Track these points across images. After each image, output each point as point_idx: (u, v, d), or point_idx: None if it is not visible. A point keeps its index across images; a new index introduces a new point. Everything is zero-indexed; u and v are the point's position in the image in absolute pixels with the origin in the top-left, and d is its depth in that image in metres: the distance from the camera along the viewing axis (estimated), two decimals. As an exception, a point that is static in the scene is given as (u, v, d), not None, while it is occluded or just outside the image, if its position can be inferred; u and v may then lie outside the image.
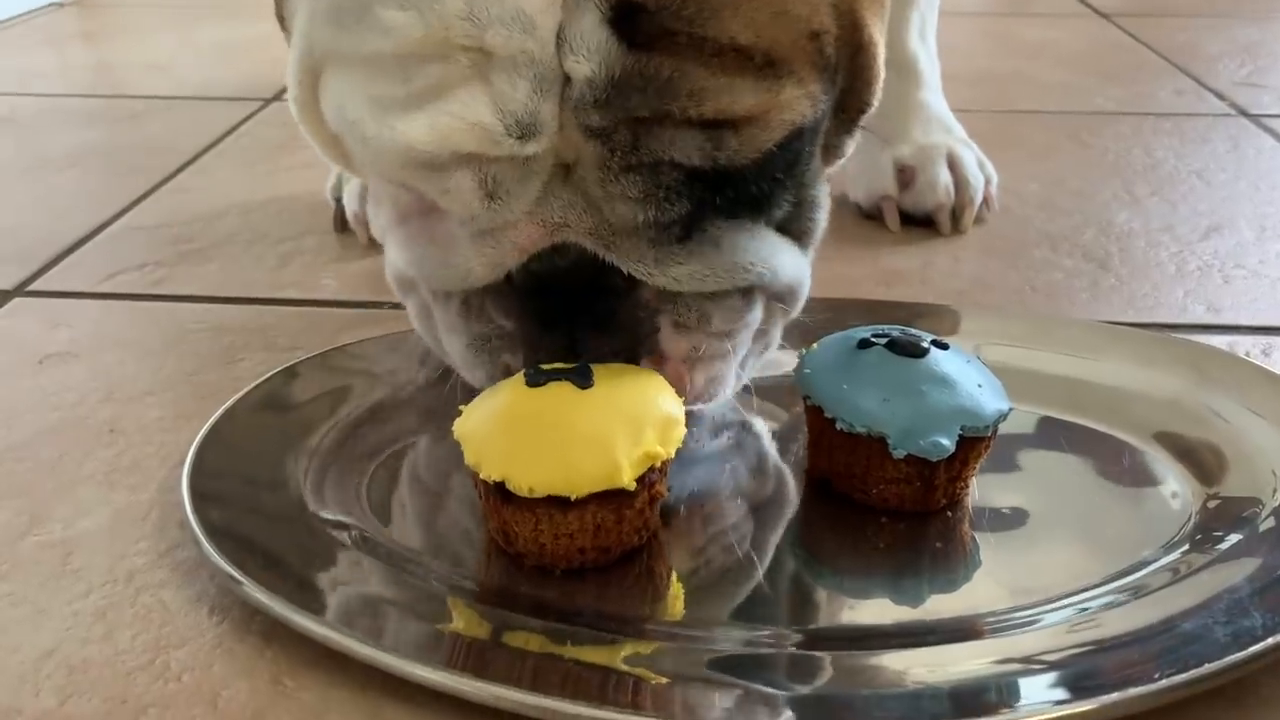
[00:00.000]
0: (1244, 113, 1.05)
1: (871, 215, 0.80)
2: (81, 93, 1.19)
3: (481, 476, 0.42)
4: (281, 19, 0.47)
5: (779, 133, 0.39)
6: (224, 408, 0.52)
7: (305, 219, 0.81)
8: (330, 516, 0.46)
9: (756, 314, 0.46)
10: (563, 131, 0.38)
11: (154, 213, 0.84)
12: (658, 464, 0.43)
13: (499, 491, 0.42)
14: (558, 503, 0.41)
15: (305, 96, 0.43)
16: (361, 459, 0.50)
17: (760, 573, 0.44)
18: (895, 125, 0.79)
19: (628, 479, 0.41)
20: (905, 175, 0.78)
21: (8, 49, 1.36)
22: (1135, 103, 1.09)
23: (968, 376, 0.47)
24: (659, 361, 0.45)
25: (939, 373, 0.46)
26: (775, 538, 0.46)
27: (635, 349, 0.44)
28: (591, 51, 0.37)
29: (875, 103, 0.45)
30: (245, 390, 0.54)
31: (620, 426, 0.42)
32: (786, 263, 0.45)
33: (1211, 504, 0.47)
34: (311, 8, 0.41)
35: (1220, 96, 1.10)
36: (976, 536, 0.46)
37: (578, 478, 0.41)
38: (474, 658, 0.39)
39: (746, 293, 0.45)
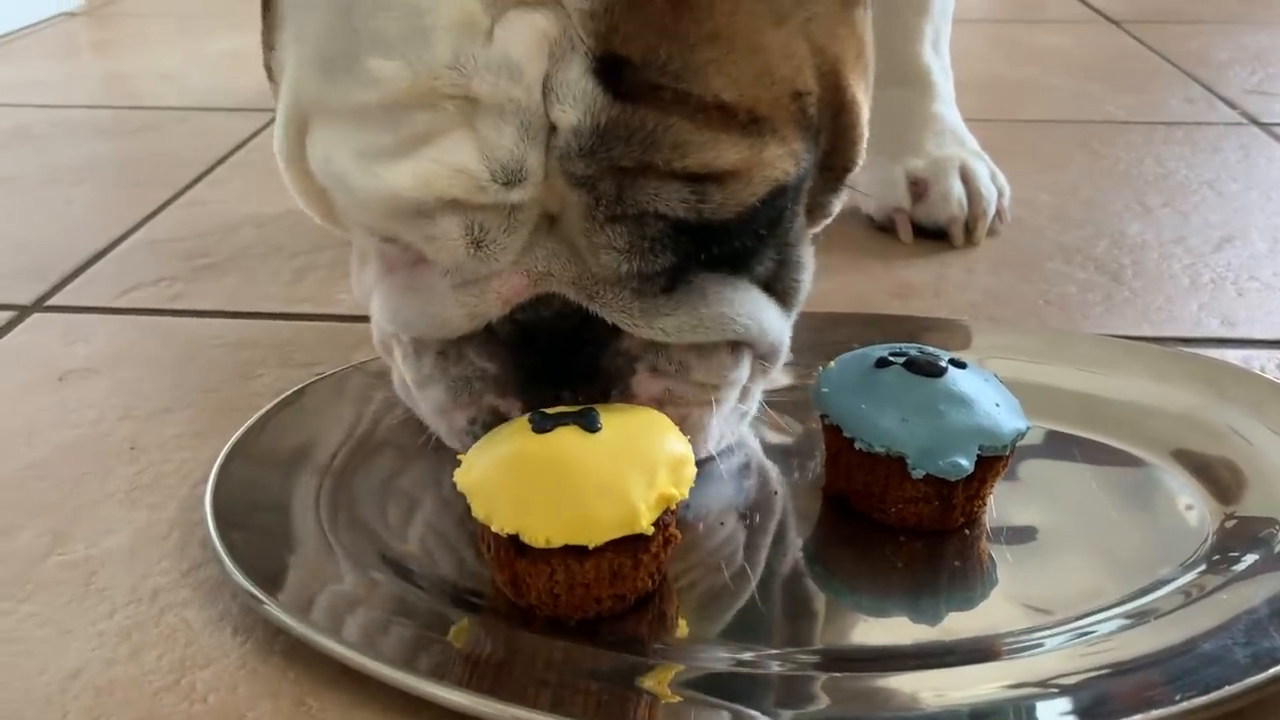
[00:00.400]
0: (1255, 121, 1.05)
1: (884, 227, 0.80)
2: (93, 104, 1.20)
3: (494, 529, 0.41)
4: (269, 69, 0.47)
5: (762, 189, 0.40)
6: (245, 426, 0.52)
7: (320, 232, 0.80)
8: (350, 536, 0.46)
9: (744, 371, 0.46)
10: (548, 180, 0.39)
11: (168, 227, 0.84)
12: (673, 506, 0.42)
13: (512, 544, 0.41)
14: (574, 552, 0.40)
15: (291, 148, 0.44)
16: (380, 478, 0.51)
17: (777, 593, 0.44)
18: (908, 137, 0.79)
19: (646, 524, 0.40)
20: (918, 187, 0.78)
21: (19, 59, 1.37)
22: (1146, 111, 1.09)
23: (985, 396, 0.47)
24: (628, 401, 0.45)
25: (957, 392, 0.47)
26: (792, 557, 0.46)
27: (608, 391, 0.44)
28: (577, 100, 0.37)
29: (860, 161, 0.46)
30: (264, 409, 0.54)
31: (634, 470, 0.41)
32: (771, 320, 0.46)
33: (1229, 523, 0.47)
34: (299, 60, 0.42)
35: (1231, 105, 1.10)
36: (994, 555, 0.47)
37: (596, 526, 0.40)
38: (494, 678, 0.39)
39: (734, 348, 0.45)
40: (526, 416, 0.43)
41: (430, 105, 0.38)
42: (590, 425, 0.41)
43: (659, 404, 0.45)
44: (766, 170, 0.40)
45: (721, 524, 0.48)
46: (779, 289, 0.46)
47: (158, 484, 0.53)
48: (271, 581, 0.42)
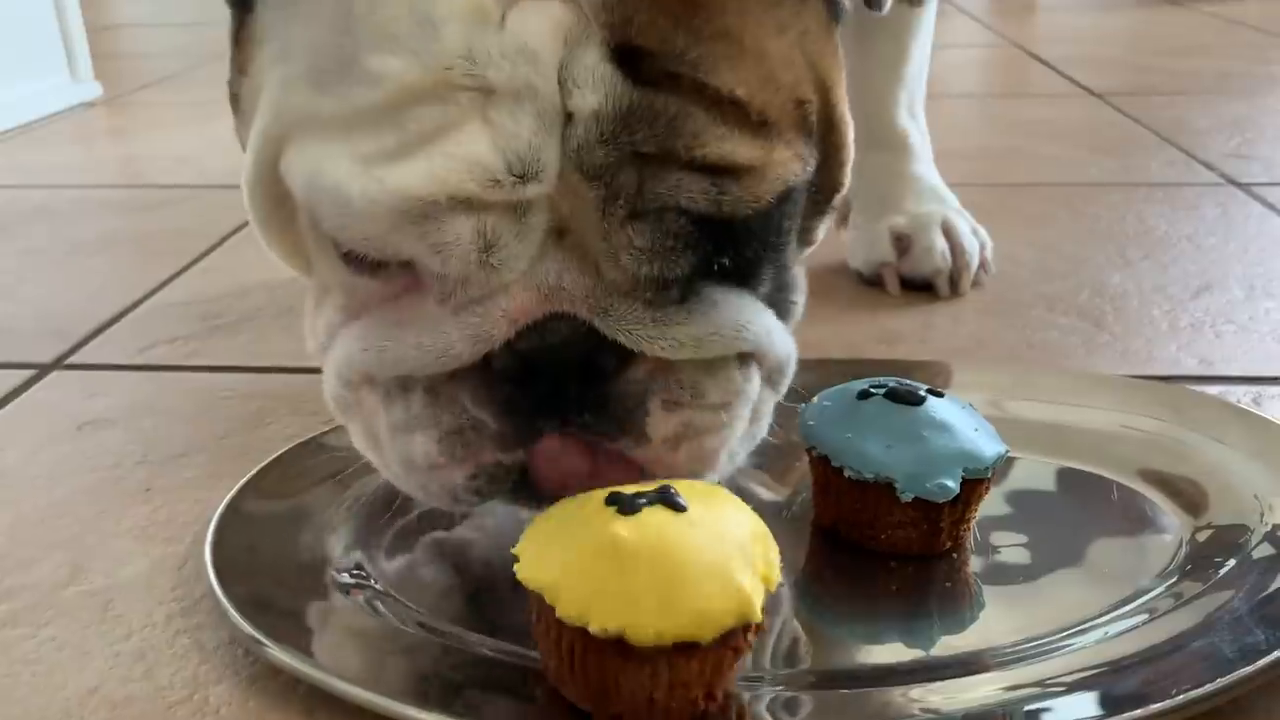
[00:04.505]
0: (1233, 181, 1.09)
1: (873, 282, 0.83)
2: (110, 184, 1.24)
3: (593, 630, 0.36)
4: (236, 98, 0.45)
5: (776, 187, 0.40)
6: (251, 473, 0.54)
7: (329, 294, 0.84)
8: (350, 578, 0.48)
9: (754, 386, 0.45)
10: (563, 177, 0.38)
11: (183, 291, 0.87)
12: (773, 589, 0.39)
13: (609, 646, 0.36)
14: (682, 649, 0.36)
15: (263, 172, 0.42)
16: (383, 520, 0.52)
17: (777, 623, 0.45)
18: (890, 197, 0.82)
19: (758, 611, 0.37)
20: (902, 243, 0.81)
21: (42, 145, 1.42)
22: (1127, 174, 1.13)
23: (965, 422, 0.49)
24: (639, 442, 0.42)
25: (938, 419, 0.49)
26: (786, 588, 0.47)
27: (619, 432, 0.42)
28: (597, 84, 0.37)
29: (846, 184, 0.46)
30: (271, 457, 0.56)
31: (733, 551, 0.37)
32: (778, 333, 0.45)
33: (1200, 534, 0.49)
34: (284, 78, 0.40)
35: (1210, 167, 1.14)
36: (980, 577, 0.48)
37: (709, 618, 0.36)
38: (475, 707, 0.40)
39: (744, 361, 0.44)
40: (600, 495, 0.39)
41: (440, 98, 0.37)
42: (676, 504, 0.38)
43: (675, 443, 0.43)
44: (778, 170, 0.39)
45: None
46: (778, 310, 0.46)
47: (172, 521, 0.55)
48: (269, 617, 0.44)
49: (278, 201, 0.43)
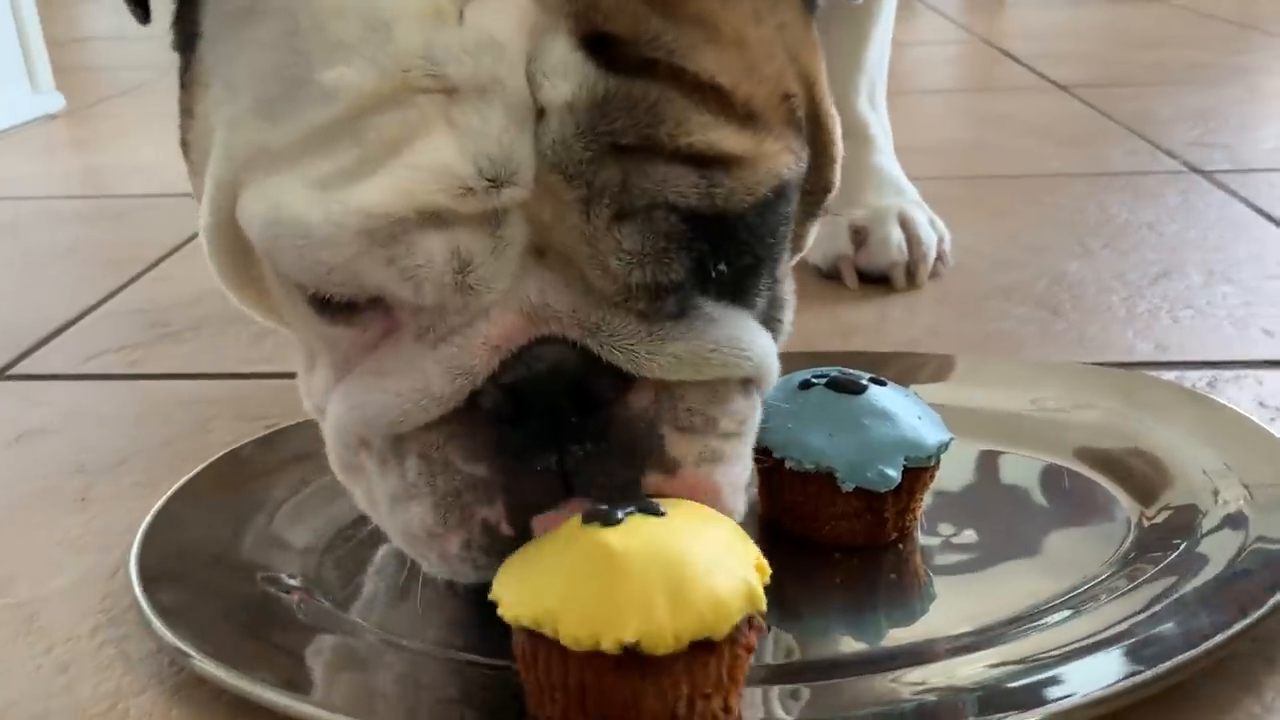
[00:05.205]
0: (1195, 169, 1.08)
1: (832, 275, 0.82)
2: (71, 194, 1.23)
3: (607, 647, 0.34)
4: (185, 145, 0.42)
5: (770, 179, 0.37)
6: (184, 479, 0.53)
7: (281, 299, 0.83)
8: (283, 585, 0.47)
9: (757, 414, 0.42)
10: (539, 181, 0.35)
11: (136, 299, 0.86)
12: (766, 580, 0.37)
13: (626, 662, 0.34)
14: (699, 652, 0.35)
15: (222, 222, 0.39)
16: (319, 527, 0.51)
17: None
18: (848, 189, 0.80)
19: (761, 596, 0.36)
20: (859, 236, 0.80)
21: (2, 157, 1.40)
22: (1091, 164, 1.13)
23: (907, 410, 0.49)
24: (671, 471, 0.39)
25: (879, 407, 0.48)
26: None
27: (639, 466, 0.38)
28: (569, 74, 0.34)
29: (837, 183, 0.43)
30: (206, 462, 0.54)
31: (724, 547, 0.37)
32: (773, 357, 0.42)
33: (1149, 520, 0.48)
34: (233, 117, 0.38)
35: (1172, 155, 1.14)
36: (929, 567, 0.48)
37: (723, 608, 0.35)
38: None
39: (746, 388, 0.41)
40: (574, 520, 0.37)
41: (400, 103, 0.34)
42: (656, 511, 0.37)
43: (697, 466, 0.39)
44: (770, 162, 0.36)
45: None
46: (769, 328, 0.43)
47: (107, 530, 0.54)
48: (195, 625, 0.42)
49: (241, 253, 0.40)
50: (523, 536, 0.39)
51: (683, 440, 0.39)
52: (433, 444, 0.38)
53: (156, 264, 0.94)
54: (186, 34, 0.41)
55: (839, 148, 0.42)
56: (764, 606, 0.36)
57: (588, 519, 0.36)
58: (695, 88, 0.35)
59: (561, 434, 0.38)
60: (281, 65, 0.36)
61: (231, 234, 0.39)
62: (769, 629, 0.43)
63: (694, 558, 0.35)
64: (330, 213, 0.34)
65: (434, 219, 0.34)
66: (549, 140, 0.34)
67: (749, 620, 0.36)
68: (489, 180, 0.34)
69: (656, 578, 0.34)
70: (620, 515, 0.36)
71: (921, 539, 0.49)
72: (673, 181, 0.35)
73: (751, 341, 0.40)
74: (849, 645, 0.44)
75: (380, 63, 0.34)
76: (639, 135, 0.34)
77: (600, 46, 0.34)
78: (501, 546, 0.39)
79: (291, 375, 0.69)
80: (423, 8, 0.34)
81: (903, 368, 0.62)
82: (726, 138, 0.35)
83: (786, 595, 0.46)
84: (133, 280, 0.91)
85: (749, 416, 0.41)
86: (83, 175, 1.34)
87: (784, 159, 0.37)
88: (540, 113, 0.34)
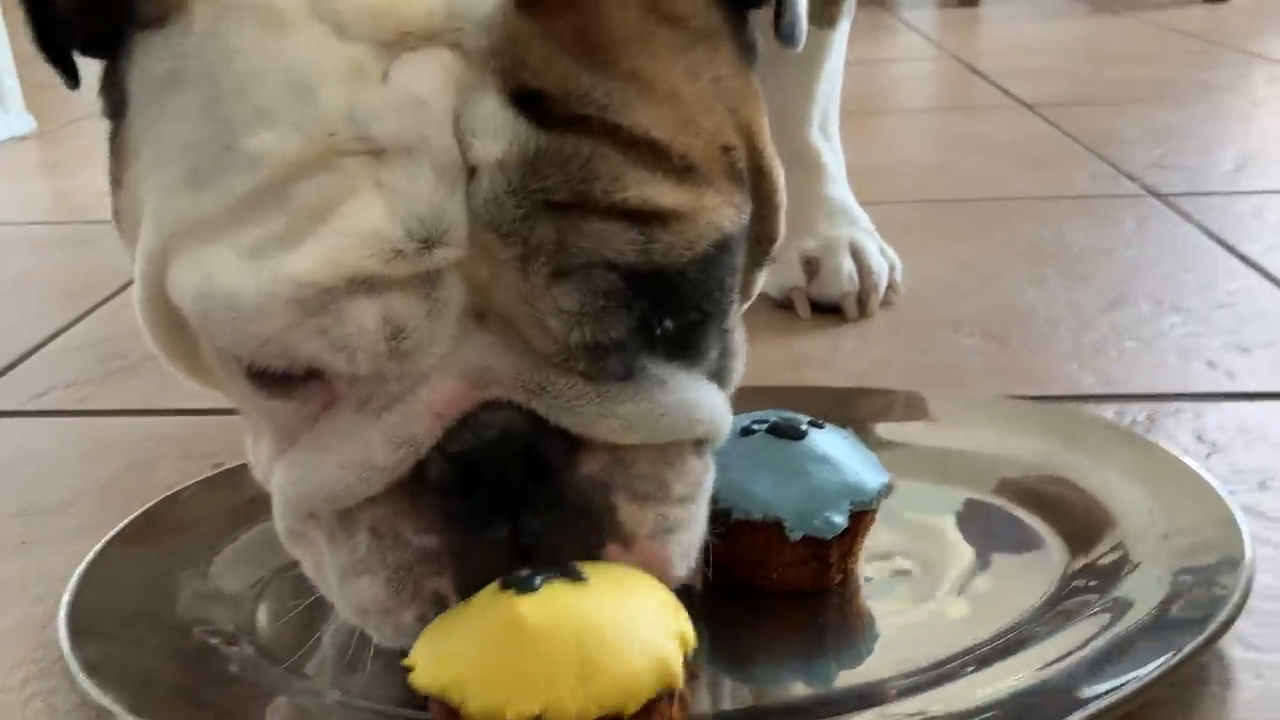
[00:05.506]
0: (1154, 193, 1.09)
1: (784, 305, 0.82)
2: (37, 220, 1.23)
3: (511, 719, 0.33)
4: (117, 215, 0.42)
5: (710, 233, 0.36)
6: (121, 525, 0.52)
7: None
8: (222, 632, 0.47)
9: (711, 473, 0.42)
10: (473, 240, 0.34)
11: (89, 332, 0.86)
12: (689, 651, 0.37)
13: None
14: None
15: (153, 295, 0.38)
16: (257, 575, 0.51)
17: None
18: (800, 218, 0.82)
19: (679, 672, 0.36)
20: (811, 266, 0.81)
21: (-33, 182, 1.40)
22: (1051, 187, 1.13)
23: (848, 454, 0.49)
24: (626, 543, 0.39)
25: (820, 453, 0.48)
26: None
27: (592, 535, 0.38)
28: (498, 132, 0.34)
29: (782, 232, 0.43)
30: (143, 508, 0.54)
31: (645, 618, 0.36)
32: (723, 408, 0.42)
33: (1078, 561, 0.49)
34: (160, 183, 0.37)
35: (1132, 178, 1.15)
36: (871, 608, 0.48)
37: (632, 685, 0.34)
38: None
39: (699, 448, 0.41)
40: (493, 585, 0.37)
41: (325, 167, 0.34)
42: (576, 575, 0.36)
43: (652, 539, 0.39)
44: (710, 215, 0.36)
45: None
46: (719, 378, 0.42)
47: (44, 577, 0.53)
48: (129, 693, 0.42)
49: (176, 326, 0.39)
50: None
51: (636, 509, 0.39)
52: (381, 517, 0.38)
53: (115, 295, 0.94)
54: (115, 100, 0.40)
55: (782, 195, 0.42)
56: (679, 683, 0.36)
57: (506, 584, 0.36)
58: (629, 143, 0.35)
59: (513, 502, 0.37)
60: (206, 133, 0.36)
61: (165, 307, 0.39)
62: (722, 678, 0.44)
63: (609, 630, 0.34)
64: (261, 282, 0.34)
65: (364, 285, 0.34)
66: (480, 199, 0.34)
67: (670, 696, 0.36)
68: (420, 242, 0.33)
69: (566, 650, 0.34)
70: (538, 581, 0.36)
71: (863, 580, 0.50)
72: (609, 239, 0.34)
73: (702, 403, 0.40)
74: (801, 690, 0.44)
75: (304, 127, 0.34)
76: (572, 192, 0.34)
77: (529, 103, 0.34)
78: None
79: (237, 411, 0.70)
80: (344, 68, 0.34)
81: (846, 403, 0.62)
82: (664, 193, 0.35)
83: (740, 643, 0.47)
84: (90, 311, 0.90)
85: (702, 479, 0.41)
86: (50, 200, 1.34)
87: (725, 212, 0.37)
88: (471, 171, 0.34)
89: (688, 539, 0.40)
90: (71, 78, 0.42)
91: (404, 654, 0.38)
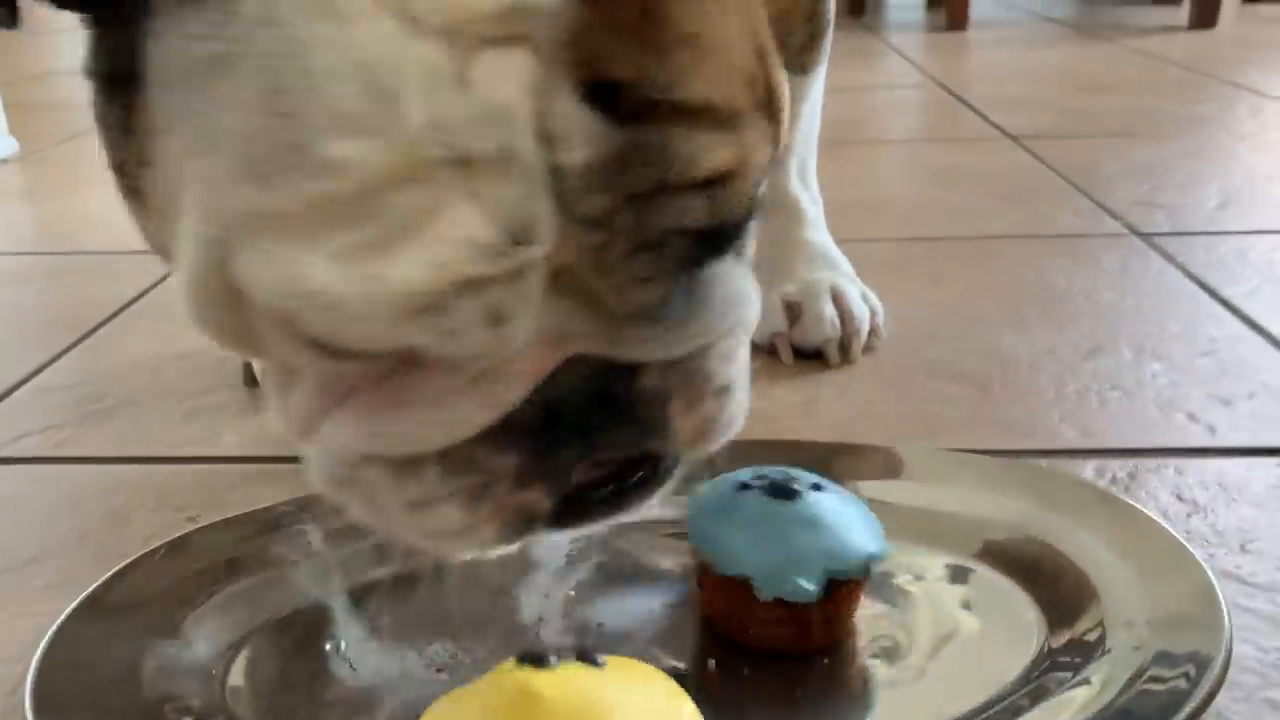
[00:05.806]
0: (1136, 232, 1.09)
1: (767, 350, 0.82)
2: (16, 250, 1.22)
3: None
4: (135, 191, 0.41)
5: (757, 175, 0.38)
6: (93, 587, 0.52)
7: (214, 375, 0.82)
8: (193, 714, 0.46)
9: (748, 348, 0.44)
10: (560, 235, 0.36)
11: (65, 373, 0.85)
12: None
13: None
14: None
15: (212, 283, 0.38)
16: (227, 641, 0.50)
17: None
18: (780, 264, 0.82)
19: None
20: (793, 311, 0.81)
21: (-52, 208, 1.39)
22: (1033, 225, 1.13)
23: (842, 519, 0.49)
24: (667, 444, 0.42)
25: (808, 516, 0.48)
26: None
27: (646, 441, 0.41)
28: (579, 135, 0.35)
29: (789, 144, 0.45)
30: (115, 569, 0.53)
31: (656, 703, 0.37)
32: (757, 296, 0.44)
33: (1055, 632, 0.49)
34: (211, 172, 0.36)
35: (1115, 216, 1.15)
36: (865, 677, 0.49)
37: None
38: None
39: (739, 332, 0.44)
40: (506, 666, 0.38)
41: (416, 179, 0.34)
42: (592, 660, 0.38)
43: (695, 439, 0.42)
44: (756, 157, 0.38)
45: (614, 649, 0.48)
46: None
47: (10, 640, 0.53)
48: None
49: (228, 304, 0.39)
50: (560, 512, 0.41)
51: (687, 417, 0.41)
52: (455, 448, 0.40)
53: (92, 332, 0.93)
54: (117, 69, 0.39)
55: (787, 102, 0.42)
56: None
57: (521, 660, 0.37)
58: (693, 117, 0.36)
59: (579, 429, 0.40)
60: (269, 127, 0.34)
61: (225, 291, 0.38)
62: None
63: (620, 708, 0.35)
64: (367, 290, 0.34)
65: (468, 286, 0.35)
66: (567, 198, 0.35)
67: None
68: (519, 242, 0.35)
69: None
70: (554, 661, 0.37)
71: (856, 647, 0.50)
72: (683, 212, 0.36)
73: (746, 290, 0.42)
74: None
75: (391, 138, 0.33)
76: (652, 181, 0.36)
77: (605, 95, 0.35)
78: (539, 523, 0.41)
79: (216, 459, 0.70)
80: (421, 71, 0.33)
81: (825, 459, 0.61)
82: (721, 154, 0.37)
83: (718, 701, 0.46)
84: (66, 350, 0.90)
85: (742, 356, 0.43)
86: (31, 227, 1.33)
87: (762, 149, 0.38)
88: (555, 170, 0.35)
89: (733, 413, 0.43)
90: (10, 13, 0.40)
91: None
